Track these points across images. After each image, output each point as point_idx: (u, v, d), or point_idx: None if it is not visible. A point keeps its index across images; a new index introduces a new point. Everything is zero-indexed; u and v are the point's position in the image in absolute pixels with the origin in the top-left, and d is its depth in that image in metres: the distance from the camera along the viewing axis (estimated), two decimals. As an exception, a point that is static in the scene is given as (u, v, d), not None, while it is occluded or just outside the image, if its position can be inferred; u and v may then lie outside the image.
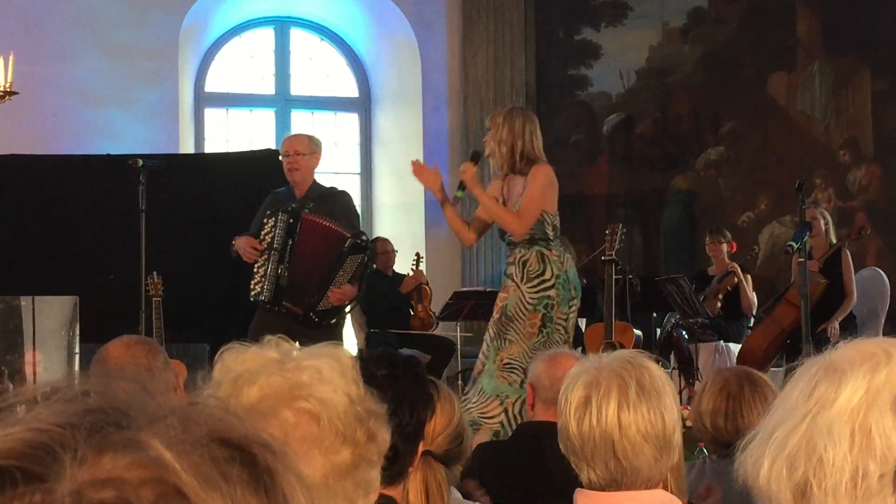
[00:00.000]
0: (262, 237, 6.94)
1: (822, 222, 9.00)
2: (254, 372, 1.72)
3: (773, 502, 1.34)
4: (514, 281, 6.50)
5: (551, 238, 6.55)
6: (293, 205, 7.02)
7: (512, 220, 6.46)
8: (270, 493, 0.75)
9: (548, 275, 6.48)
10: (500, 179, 6.64)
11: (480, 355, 6.55)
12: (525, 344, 6.37)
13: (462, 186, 6.48)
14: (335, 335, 7.05)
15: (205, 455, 0.73)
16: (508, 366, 6.36)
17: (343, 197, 7.32)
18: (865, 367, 1.34)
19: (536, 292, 6.45)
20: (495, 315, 6.53)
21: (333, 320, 7.15)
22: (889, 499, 1.29)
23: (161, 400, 0.77)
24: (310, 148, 7.19)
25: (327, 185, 7.51)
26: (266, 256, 6.91)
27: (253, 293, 6.97)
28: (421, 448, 2.54)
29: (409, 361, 2.63)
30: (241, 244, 6.96)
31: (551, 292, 6.46)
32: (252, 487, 0.74)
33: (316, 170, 7.27)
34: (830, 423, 1.31)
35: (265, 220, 6.98)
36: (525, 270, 6.48)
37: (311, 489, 0.78)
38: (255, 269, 6.95)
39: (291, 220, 6.91)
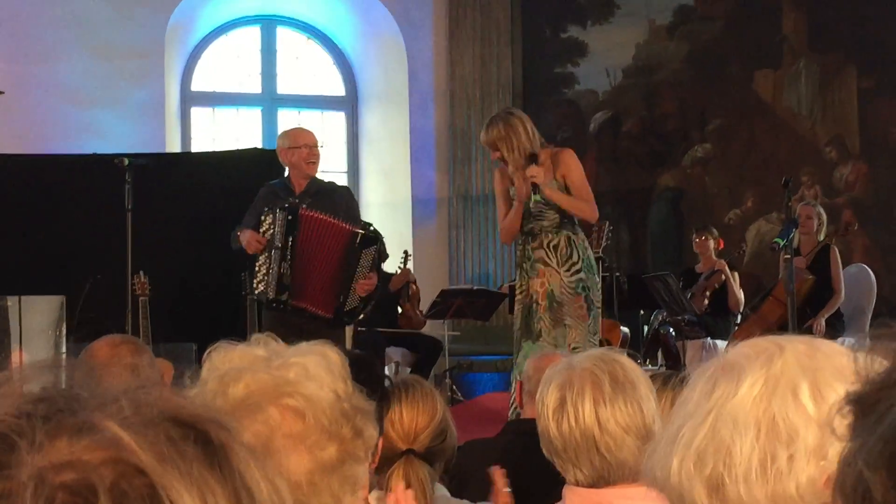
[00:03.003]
0: (262, 233, 6.91)
1: (815, 222, 9.05)
2: (240, 369, 1.73)
3: (687, 500, 1.38)
4: (549, 265, 6.57)
5: (576, 223, 6.70)
6: (293, 199, 6.98)
7: (587, 207, 6.66)
8: (225, 468, 0.76)
9: (575, 258, 6.64)
10: (505, 175, 6.71)
11: (545, 346, 6.56)
12: (581, 327, 6.48)
13: (536, 189, 6.54)
14: (341, 334, 7.07)
15: (159, 434, 0.74)
16: (576, 350, 6.39)
17: (344, 191, 7.33)
18: (761, 360, 1.40)
19: (571, 276, 6.57)
20: (542, 302, 6.59)
21: (361, 316, 7.25)
22: (801, 474, 1.34)
23: (110, 384, 0.78)
24: None
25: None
26: (268, 254, 6.88)
27: (257, 291, 6.96)
28: (381, 443, 2.55)
29: (362, 360, 2.65)
30: (248, 237, 6.88)
31: (581, 275, 6.63)
32: (207, 463, 0.75)
33: None
34: (735, 416, 1.37)
35: (263, 217, 6.92)
36: (558, 254, 6.58)
37: (264, 462, 0.80)
38: (258, 267, 6.93)
39: (290, 217, 6.86)
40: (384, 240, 10.39)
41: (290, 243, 6.85)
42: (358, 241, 6.94)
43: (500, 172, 6.87)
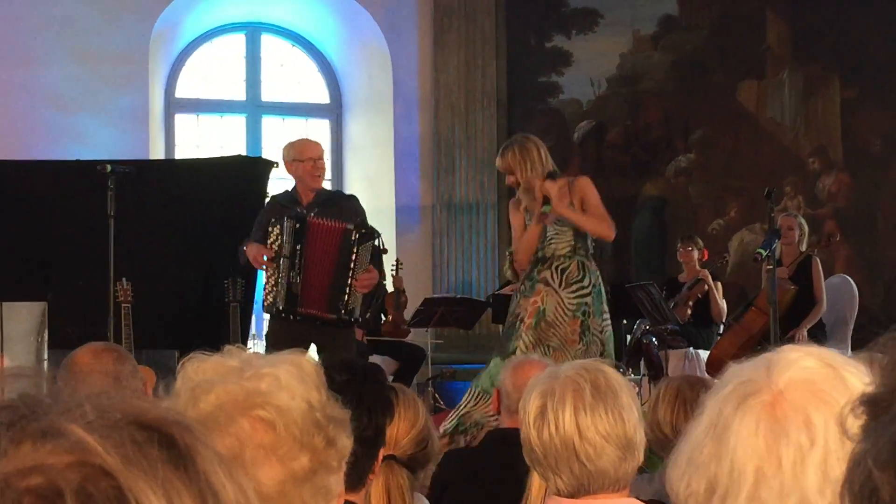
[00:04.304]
0: (268, 246, 6.84)
1: (797, 233, 9.08)
2: (211, 381, 1.72)
3: None
4: (550, 285, 6.60)
5: (591, 250, 6.78)
6: (300, 209, 6.93)
7: (601, 224, 6.70)
8: (191, 469, 0.77)
9: (586, 282, 6.67)
10: (519, 208, 6.79)
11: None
12: (568, 351, 6.46)
13: (547, 201, 6.54)
14: (348, 339, 7.02)
15: (124, 437, 0.75)
16: None
17: (352, 199, 7.29)
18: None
19: (575, 297, 6.60)
20: (528, 320, 6.61)
21: (368, 314, 7.18)
22: None
23: (74, 389, 0.79)
24: None
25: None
26: (276, 265, 6.84)
27: (266, 303, 6.92)
28: (382, 453, 2.54)
29: (368, 368, 2.64)
30: (255, 251, 6.81)
31: (588, 299, 6.65)
32: (172, 465, 0.76)
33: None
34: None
35: (270, 229, 6.85)
36: (564, 276, 6.61)
37: (229, 464, 0.80)
38: (266, 279, 6.88)
39: (298, 226, 6.80)
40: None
41: (298, 252, 6.81)
42: (353, 237, 6.88)
43: (514, 203, 6.93)
